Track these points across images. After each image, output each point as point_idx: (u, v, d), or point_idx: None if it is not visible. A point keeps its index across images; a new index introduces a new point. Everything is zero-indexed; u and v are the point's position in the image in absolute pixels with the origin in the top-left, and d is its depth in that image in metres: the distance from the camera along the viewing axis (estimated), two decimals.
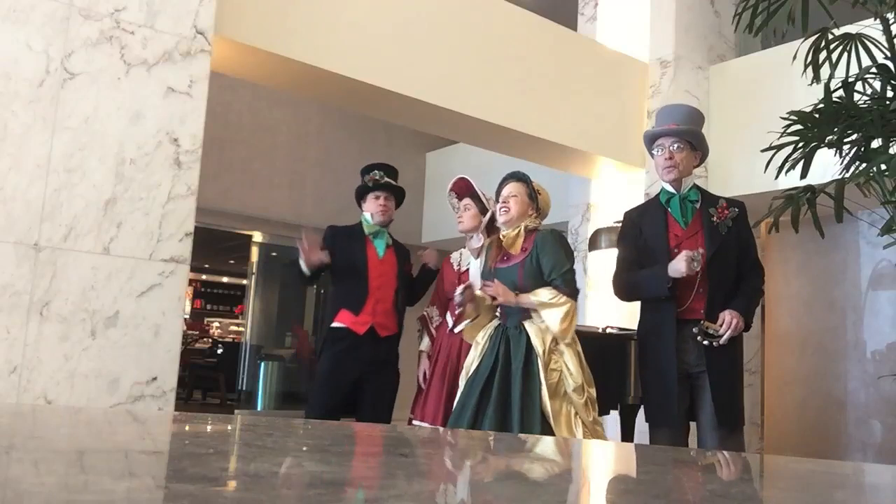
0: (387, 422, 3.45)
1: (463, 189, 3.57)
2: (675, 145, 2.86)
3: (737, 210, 2.84)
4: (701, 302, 2.76)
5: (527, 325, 2.77)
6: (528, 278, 2.77)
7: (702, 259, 2.69)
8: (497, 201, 2.98)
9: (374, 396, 3.42)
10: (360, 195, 3.62)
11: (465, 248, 3.63)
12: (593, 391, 2.77)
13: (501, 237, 2.92)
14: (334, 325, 3.44)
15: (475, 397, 2.72)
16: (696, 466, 1.21)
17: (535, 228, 2.90)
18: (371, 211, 3.55)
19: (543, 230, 2.90)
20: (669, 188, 2.91)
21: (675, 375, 2.77)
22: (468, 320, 2.94)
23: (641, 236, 2.93)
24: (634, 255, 2.93)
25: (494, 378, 2.73)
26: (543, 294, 2.72)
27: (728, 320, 2.69)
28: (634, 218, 3.02)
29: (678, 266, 2.68)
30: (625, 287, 2.98)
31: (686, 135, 2.87)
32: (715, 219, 2.81)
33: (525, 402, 2.66)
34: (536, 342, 2.71)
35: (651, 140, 2.95)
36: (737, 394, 2.82)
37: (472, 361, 2.87)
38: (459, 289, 2.86)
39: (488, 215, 3.46)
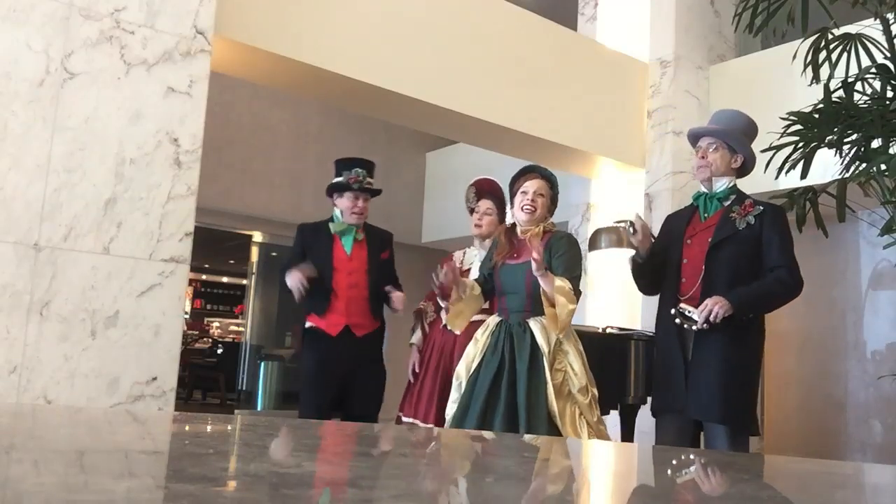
0: (374, 419, 3.41)
1: (486, 190, 3.51)
2: (711, 146, 2.85)
3: (761, 208, 2.75)
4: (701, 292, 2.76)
5: (531, 323, 2.73)
6: (535, 279, 2.75)
7: (638, 223, 2.78)
8: (514, 192, 2.91)
9: (361, 393, 3.35)
10: (338, 190, 3.40)
11: (468, 248, 3.59)
12: (595, 391, 2.75)
13: (522, 231, 2.86)
14: (308, 325, 3.37)
15: (483, 396, 2.67)
16: (695, 466, 1.21)
17: (548, 230, 2.88)
18: (345, 209, 3.37)
19: (559, 232, 2.88)
20: (701, 187, 2.91)
21: (677, 364, 2.78)
22: (443, 304, 2.91)
23: (669, 230, 2.97)
24: (658, 247, 2.96)
25: (502, 378, 2.68)
26: (564, 282, 2.67)
27: (705, 303, 2.63)
28: (669, 218, 3.08)
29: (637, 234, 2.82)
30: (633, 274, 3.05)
31: (721, 135, 2.84)
32: (734, 214, 2.77)
33: (531, 402, 2.62)
34: (542, 341, 2.68)
35: (693, 141, 2.96)
36: (729, 390, 2.68)
37: (472, 359, 2.81)
38: (444, 270, 2.75)
39: (502, 226, 3.43)
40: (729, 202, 2.82)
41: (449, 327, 2.98)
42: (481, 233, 3.42)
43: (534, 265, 2.59)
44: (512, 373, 2.69)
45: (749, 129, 2.91)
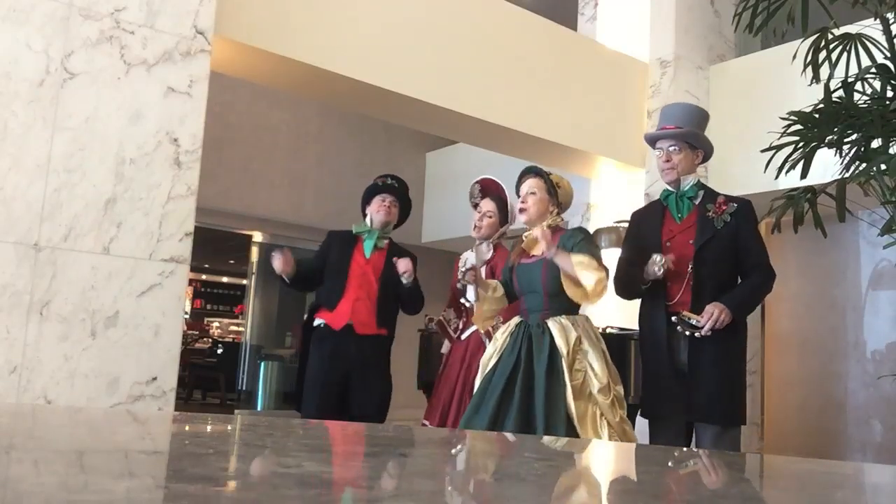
0: (375, 422, 3.42)
1: (490, 190, 3.53)
2: (673, 147, 2.90)
3: (735, 205, 2.82)
4: (689, 295, 2.77)
5: (550, 323, 2.71)
6: (550, 275, 2.73)
7: (670, 264, 2.73)
8: (518, 198, 2.93)
9: (361, 398, 3.36)
10: (368, 197, 3.59)
11: (472, 249, 3.60)
12: (620, 389, 2.72)
13: (524, 237, 2.88)
14: (316, 322, 3.44)
15: (496, 397, 2.65)
16: (695, 466, 1.21)
17: (557, 227, 2.85)
18: (374, 210, 3.52)
19: (571, 229, 2.87)
20: (668, 187, 2.96)
21: (667, 369, 2.80)
22: (466, 302, 2.91)
23: (640, 234, 2.97)
24: (633, 253, 2.98)
25: (517, 378, 2.66)
26: (582, 256, 2.65)
27: (709, 311, 2.66)
28: (636, 217, 3.10)
29: (648, 269, 2.78)
30: (617, 284, 3.05)
31: (682, 137, 2.89)
32: (710, 213, 2.82)
33: (549, 405, 2.59)
34: (560, 342, 2.65)
35: (651, 142, 3.01)
36: (726, 392, 2.75)
37: (489, 358, 2.80)
38: (462, 267, 2.83)
39: (504, 228, 3.47)
40: (699, 199, 2.89)
41: (477, 327, 3.01)
42: (481, 234, 3.45)
43: (545, 247, 2.58)
44: (528, 375, 2.66)
45: (703, 122, 3.00)
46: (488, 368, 2.78)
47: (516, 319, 2.85)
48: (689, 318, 2.69)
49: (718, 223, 2.80)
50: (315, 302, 3.53)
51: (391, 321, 3.50)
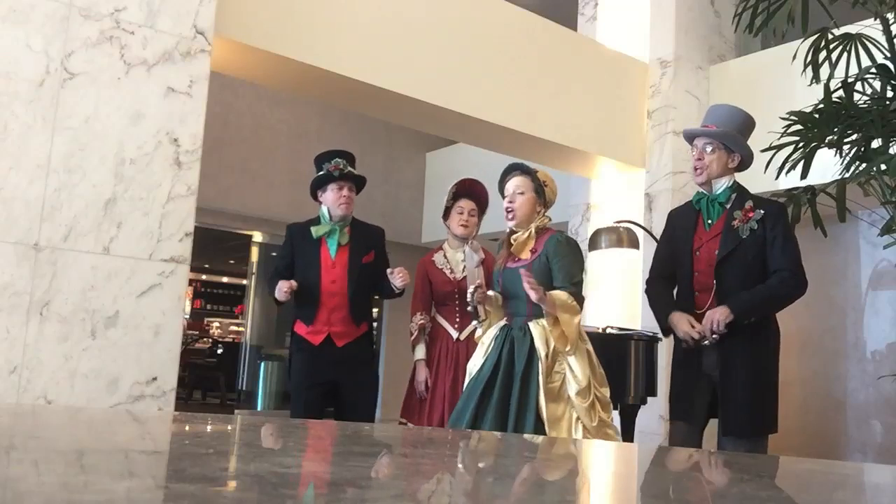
0: (369, 422, 3.39)
1: (466, 189, 3.54)
2: (708, 147, 2.81)
3: (762, 212, 2.71)
4: (715, 305, 2.73)
5: (531, 326, 2.71)
6: (535, 279, 2.74)
7: (700, 335, 2.74)
8: (502, 197, 2.90)
9: (350, 398, 3.31)
10: (320, 185, 3.35)
11: (447, 250, 3.59)
12: (605, 391, 2.71)
13: (512, 240, 2.84)
14: (295, 331, 3.37)
15: (475, 399, 2.68)
16: (696, 467, 1.21)
17: (545, 228, 2.83)
18: (332, 203, 3.30)
19: (558, 235, 2.82)
20: (701, 189, 2.88)
21: (690, 374, 2.79)
22: (477, 323, 2.90)
23: (674, 237, 2.94)
24: (664, 261, 2.96)
25: (496, 381, 2.68)
26: (562, 295, 2.64)
27: (708, 317, 2.66)
28: (673, 217, 3.03)
29: (679, 327, 2.78)
30: (648, 298, 3.05)
31: (718, 137, 2.79)
32: (736, 222, 2.73)
33: (520, 406, 2.62)
34: (540, 345, 2.66)
35: (689, 139, 2.92)
36: (756, 403, 2.72)
37: (475, 363, 2.82)
38: (471, 289, 2.79)
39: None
40: (730, 204, 2.80)
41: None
42: (468, 233, 3.49)
43: (532, 295, 2.56)
44: (507, 376, 2.68)
45: (745, 126, 2.87)
46: (473, 373, 2.80)
47: (501, 323, 2.85)
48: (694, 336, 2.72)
49: (744, 232, 2.71)
50: (295, 310, 3.39)
51: (368, 313, 3.43)
